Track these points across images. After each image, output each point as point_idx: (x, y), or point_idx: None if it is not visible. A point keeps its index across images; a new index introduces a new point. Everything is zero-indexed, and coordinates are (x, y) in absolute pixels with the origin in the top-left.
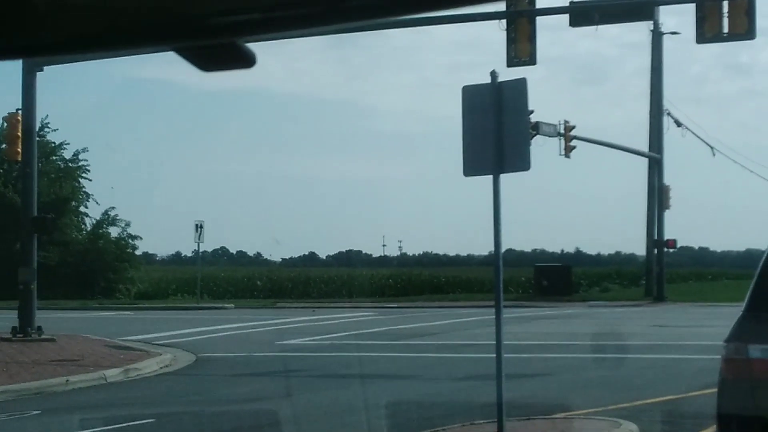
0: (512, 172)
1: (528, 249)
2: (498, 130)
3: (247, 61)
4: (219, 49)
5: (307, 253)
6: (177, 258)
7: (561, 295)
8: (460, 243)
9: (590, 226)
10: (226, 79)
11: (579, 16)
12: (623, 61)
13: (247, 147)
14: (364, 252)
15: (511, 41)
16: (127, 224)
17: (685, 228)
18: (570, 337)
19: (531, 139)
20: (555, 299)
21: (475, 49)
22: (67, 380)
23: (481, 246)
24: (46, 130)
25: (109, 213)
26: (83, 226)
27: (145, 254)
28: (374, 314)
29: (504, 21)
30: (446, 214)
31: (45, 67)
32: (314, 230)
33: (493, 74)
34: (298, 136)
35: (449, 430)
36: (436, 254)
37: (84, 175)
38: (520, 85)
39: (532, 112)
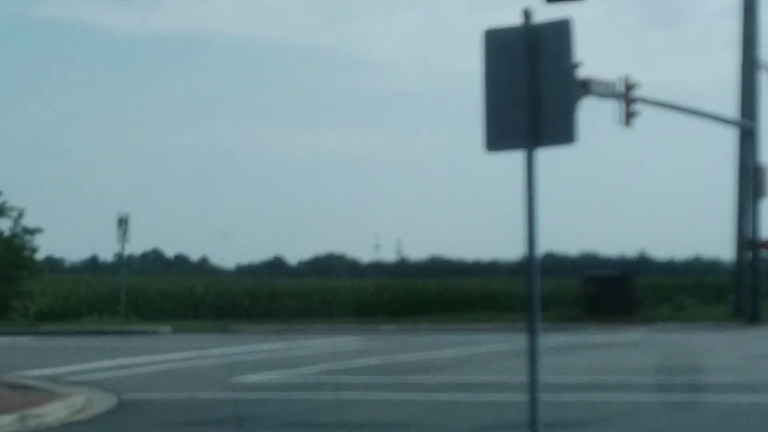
0: (552, 146)
1: (574, 253)
2: (532, 90)
3: None
4: None
5: (271, 258)
6: (93, 264)
7: (619, 315)
8: (481, 244)
9: (659, 221)
10: (162, 20)
11: None
12: None
13: (189, 113)
14: (349, 256)
15: None
16: (21, 214)
17: None
18: (632, 373)
19: (578, 101)
20: (611, 320)
21: None
22: None
23: (509, 248)
24: None
25: None
26: None
27: (49, 259)
28: (362, 341)
29: None
30: (462, 204)
31: None
32: (281, 227)
33: (527, 13)
34: (259, 98)
35: None
36: (448, 259)
37: None
38: (564, 28)
39: (579, 65)
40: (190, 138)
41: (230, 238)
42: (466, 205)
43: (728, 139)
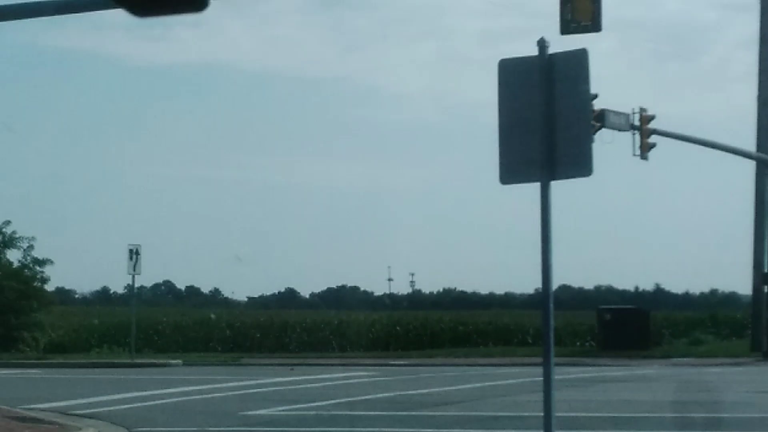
0: (568, 178)
1: (589, 286)
2: (548, 121)
3: (194, 2)
4: None
5: (283, 290)
6: (104, 296)
7: (635, 350)
8: (496, 277)
9: (675, 253)
10: (175, 51)
11: None
12: (724, 28)
13: (201, 144)
14: (362, 289)
15: None
16: (31, 245)
17: None
18: (647, 408)
19: (594, 133)
20: (627, 355)
21: (517, 10)
22: None
23: (524, 281)
24: None
25: (4, 230)
26: None
27: (60, 290)
28: (375, 374)
29: None
30: (476, 237)
31: None
32: (294, 258)
33: (542, 44)
34: (272, 129)
35: None
36: (462, 292)
37: None
38: (580, 58)
39: (595, 96)
40: (203, 169)
41: (243, 264)
42: (480, 238)
43: (746, 172)
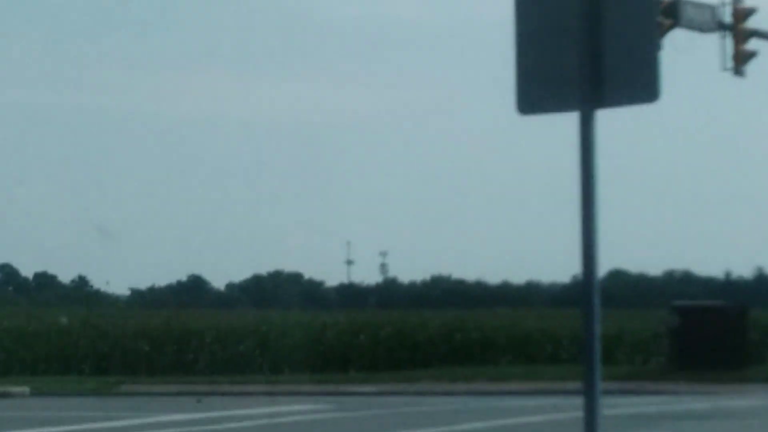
0: (621, 106)
1: (656, 271)
2: (591, 19)
3: None
4: None
5: (185, 279)
6: None
7: (725, 369)
8: (512, 260)
9: None
10: None
11: None
12: None
13: (39, 57)
14: (306, 277)
15: None
16: None
17: None
18: None
19: (662, 36)
20: (713, 377)
21: None
22: None
23: (554, 266)
24: None
25: None
26: None
27: None
28: (325, 409)
29: None
30: (479, 198)
31: None
32: (201, 232)
33: None
34: (168, 37)
35: None
36: (460, 281)
37: None
38: None
39: None
40: (59, 93)
41: (111, 239)
42: (485, 199)
43: None
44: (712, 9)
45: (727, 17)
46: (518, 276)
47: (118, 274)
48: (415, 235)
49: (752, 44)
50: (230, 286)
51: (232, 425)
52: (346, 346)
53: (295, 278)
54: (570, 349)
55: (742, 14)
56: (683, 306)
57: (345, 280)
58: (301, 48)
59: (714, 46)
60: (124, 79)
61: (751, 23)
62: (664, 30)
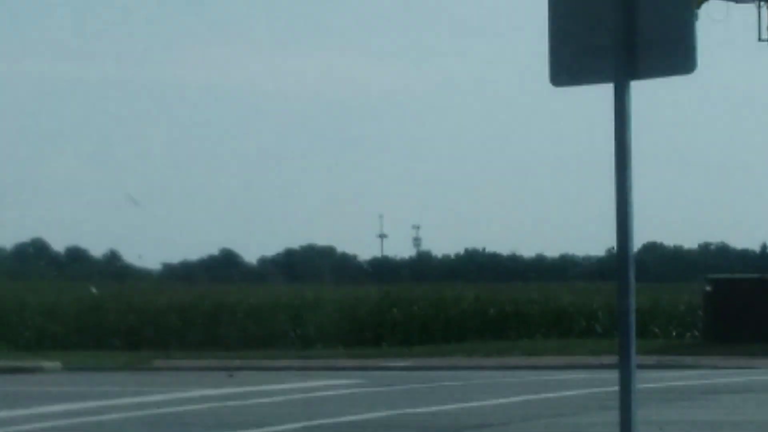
0: (656, 77)
1: (691, 244)
2: None
3: None
4: None
5: (217, 253)
6: None
7: (760, 341)
8: (545, 233)
9: None
10: None
11: None
12: None
13: (70, 27)
14: (339, 251)
15: None
16: None
17: None
18: None
19: (698, 6)
20: (749, 350)
21: None
22: None
23: (588, 239)
24: None
25: None
26: None
27: None
28: (359, 383)
29: None
30: (513, 170)
31: None
32: (232, 205)
33: None
34: (201, 8)
35: None
36: (494, 254)
37: None
38: None
39: None
40: (74, 63)
41: (144, 210)
42: (519, 171)
43: None
44: None
45: None
46: (553, 249)
47: (150, 248)
48: (448, 209)
49: None
50: (262, 261)
51: (265, 400)
52: (380, 321)
53: (328, 252)
54: (605, 323)
55: None
56: (719, 279)
57: (378, 254)
58: (333, 20)
59: (750, 17)
60: (156, 51)
61: None
62: (699, 0)
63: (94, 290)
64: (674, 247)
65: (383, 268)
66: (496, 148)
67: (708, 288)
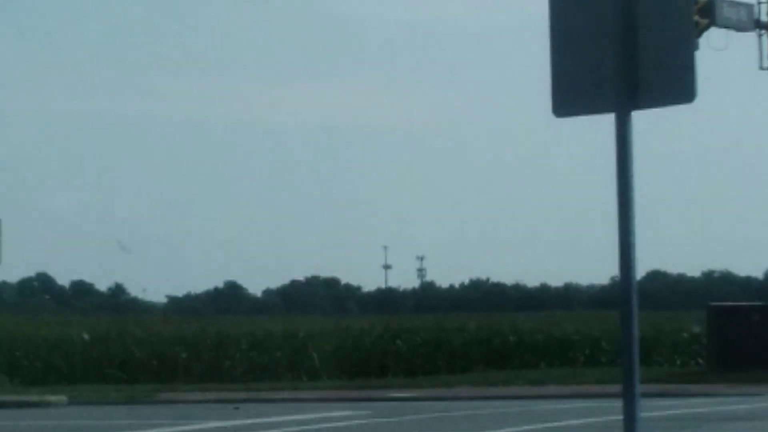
0: (657, 107)
1: (695, 272)
2: (626, 19)
3: None
4: None
5: (222, 286)
6: None
7: (764, 369)
8: (550, 263)
9: None
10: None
11: None
12: None
13: (69, 65)
14: (343, 282)
15: None
16: None
17: None
18: None
19: (699, 36)
20: (755, 377)
21: None
22: None
23: (592, 268)
24: None
25: None
26: None
27: None
28: (365, 414)
29: None
30: (518, 200)
31: None
32: (238, 238)
33: None
34: (202, 43)
35: None
36: (498, 284)
37: None
38: None
39: None
40: (81, 100)
41: (130, 253)
42: (524, 201)
43: None
44: (748, 7)
45: (764, 16)
46: (556, 279)
47: (155, 282)
48: (452, 239)
49: None
50: (267, 292)
51: None
52: (384, 352)
53: (332, 283)
54: (609, 352)
55: None
56: (723, 306)
57: (382, 285)
58: (334, 53)
59: (751, 45)
60: (162, 85)
61: None
62: (700, 29)
63: (86, 337)
64: (677, 275)
65: (388, 299)
66: (500, 179)
67: (721, 318)
